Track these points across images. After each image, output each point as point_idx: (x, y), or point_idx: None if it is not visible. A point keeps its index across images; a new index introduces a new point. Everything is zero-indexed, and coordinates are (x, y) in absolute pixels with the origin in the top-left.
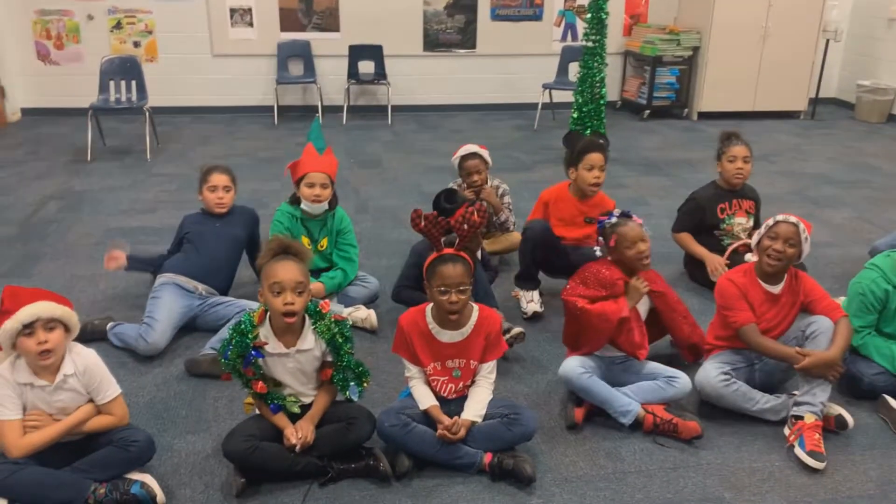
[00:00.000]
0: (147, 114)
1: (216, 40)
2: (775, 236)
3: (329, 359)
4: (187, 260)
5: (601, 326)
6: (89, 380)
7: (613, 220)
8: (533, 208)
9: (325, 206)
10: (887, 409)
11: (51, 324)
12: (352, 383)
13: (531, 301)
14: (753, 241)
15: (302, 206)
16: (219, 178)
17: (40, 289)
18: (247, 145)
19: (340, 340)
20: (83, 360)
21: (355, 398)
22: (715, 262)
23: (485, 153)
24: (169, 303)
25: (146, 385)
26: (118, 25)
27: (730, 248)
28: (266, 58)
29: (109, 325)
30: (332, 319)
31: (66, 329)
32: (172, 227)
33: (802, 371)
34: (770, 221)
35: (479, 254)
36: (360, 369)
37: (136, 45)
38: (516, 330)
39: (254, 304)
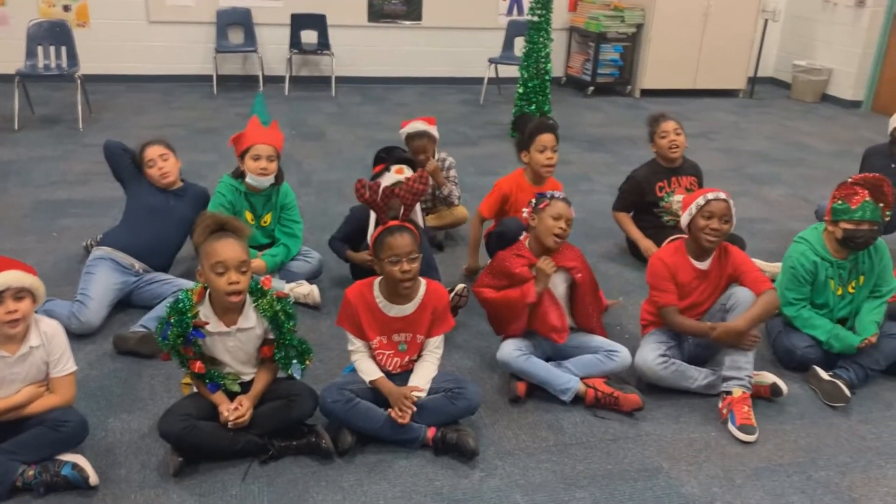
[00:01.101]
0: (79, 81)
1: (152, 6)
2: (710, 215)
3: (270, 336)
4: (130, 234)
5: (508, 314)
6: (54, 348)
7: (555, 194)
8: (489, 197)
9: (272, 179)
10: (817, 380)
11: (20, 293)
12: (294, 361)
13: None
14: (683, 220)
15: (247, 179)
16: (152, 151)
17: (5, 257)
18: (184, 115)
19: (283, 318)
20: (51, 329)
21: (298, 376)
22: (647, 247)
23: (432, 129)
24: (104, 279)
25: (79, 363)
26: None
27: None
28: (205, 25)
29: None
30: (274, 297)
31: (34, 298)
32: (105, 200)
33: (717, 342)
34: (700, 201)
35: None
36: (303, 347)
37: (66, 8)
38: (460, 286)
39: (191, 284)
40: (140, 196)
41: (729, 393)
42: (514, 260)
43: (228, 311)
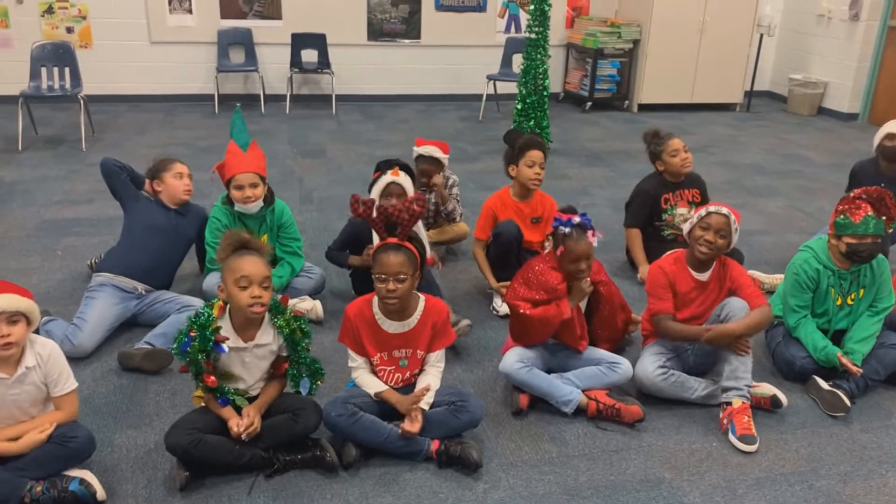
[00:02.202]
0: (82, 102)
1: (154, 27)
2: (707, 227)
3: (285, 354)
4: (132, 255)
5: (543, 330)
6: (51, 369)
7: (569, 230)
8: (479, 218)
9: (260, 203)
10: (817, 390)
11: (14, 317)
12: (304, 377)
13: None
14: (685, 229)
15: (236, 207)
16: (183, 168)
17: (1, 280)
18: (186, 135)
19: (299, 336)
20: (46, 350)
21: (304, 392)
22: (645, 273)
23: (441, 155)
24: (102, 305)
25: (84, 379)
26: (49, 10)
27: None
28: (206, 45)
29: (43, 319)
30: (292, 315)
31: (28, 322)
32: (109, 219)
33: (709, 344)
34: (702, 212)
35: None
36: (316, 367)
37: (70, 30)
38: (464, 323)
39: (194, 300)
40: (141, 214)
41: (729, 404)
42: (551, 274)
43: (247, 327)
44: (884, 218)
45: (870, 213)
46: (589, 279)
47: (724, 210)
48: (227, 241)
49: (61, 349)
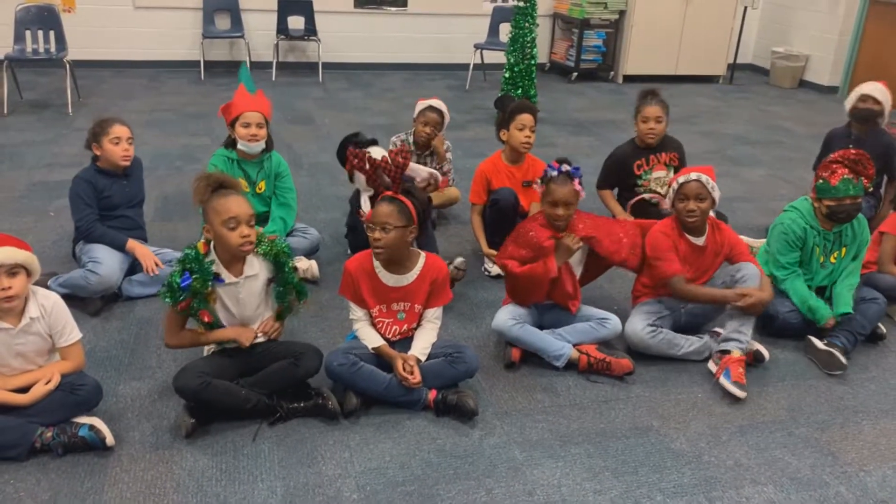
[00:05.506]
0: (67, 66)
1: None
2: (685, 197)
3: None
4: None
5: (532, 287)
6: (55, 320)
7: (555, 173)
8: (473, 183)
9: (262, 145)
10: (813, 350)
11: (14, 269)
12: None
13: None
14: (667, 202)
15: (238, 146)
16: (122, 130)
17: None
18: (173, 101)
19: (284, 257)
20: (49, 302)
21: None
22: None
23: (446, 111)
24: (105, 248)
25: (85, 334)
26: None
27: (633, 200)
28: (191, 11)
29: (52, 279)
30: (269, 240)
31: (28, 273)
32: None
33: (745, 309)
34: (675, 185)
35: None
36: (301, 287)
37: None
38: (458, 260)
39: (175, 254)
40: (107, 192)
41: (728, 353)
42: (540, 231)
43: (234, 262)
44: (862, 179)
45: (846, 176)
46: (577, 236)
47: (693, 175)
48: (204, 182)
49: (87, 286)
